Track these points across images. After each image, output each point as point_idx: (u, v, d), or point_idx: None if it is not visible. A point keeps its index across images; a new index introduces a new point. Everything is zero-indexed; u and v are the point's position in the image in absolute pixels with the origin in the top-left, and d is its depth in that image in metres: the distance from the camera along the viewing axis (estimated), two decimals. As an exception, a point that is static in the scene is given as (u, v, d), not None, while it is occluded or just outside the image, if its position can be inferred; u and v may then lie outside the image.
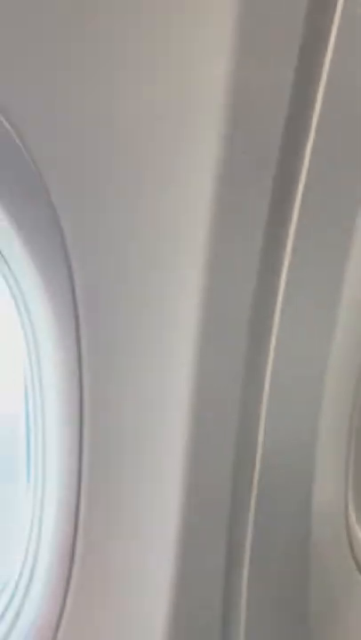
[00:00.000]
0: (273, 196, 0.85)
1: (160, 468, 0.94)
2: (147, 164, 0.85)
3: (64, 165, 0.84)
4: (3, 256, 0.92)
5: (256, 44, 0.80)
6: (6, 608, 1.03)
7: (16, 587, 1.02)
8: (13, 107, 0.80)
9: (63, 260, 0.87)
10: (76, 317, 0.89)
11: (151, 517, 0.95)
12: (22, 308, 0.95)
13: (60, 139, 0.83)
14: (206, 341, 0.89)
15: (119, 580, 0.97)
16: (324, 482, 1.00)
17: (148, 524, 0.95)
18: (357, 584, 1.04)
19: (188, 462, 0.92)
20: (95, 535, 0.96)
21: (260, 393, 0.94)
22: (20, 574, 1.02)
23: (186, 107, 0.83)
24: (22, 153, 0.82)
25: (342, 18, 0.80)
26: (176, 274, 0.89)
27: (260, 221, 0.87)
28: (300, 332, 0.93)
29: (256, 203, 0.86)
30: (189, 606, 0.97)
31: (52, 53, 0.80)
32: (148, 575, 0.96)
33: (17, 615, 1.00)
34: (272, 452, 0.96)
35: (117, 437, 0.94)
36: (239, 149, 0.83)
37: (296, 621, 1.03)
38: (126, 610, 0.98)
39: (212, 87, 0.80)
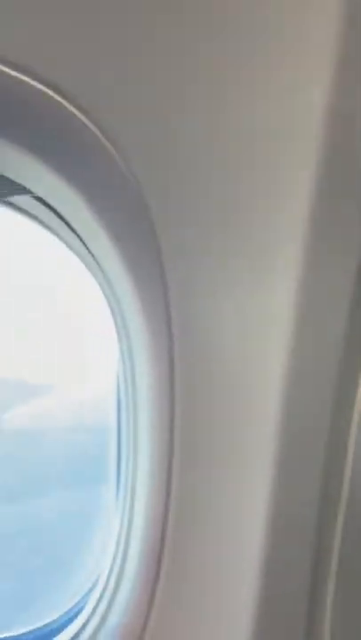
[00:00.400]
0: None
1: (248, 475, 0.95)
2: (245, 186, 0.87)
3: (164, 182, 0.87)
4: (101, 268, 0.96)
5: (355, 73, 0.81)
6: (94, 609, 1.05)
7: (104, 588, 1.04)
8: (117, 128, 0.84)
9: (158, 272, 0.89)
10: (170, 330, 0.92)
11: (239, 525, 0.96)
12: (118, 320, 0.98)
13: (161, 156, 0.86)
14: (299, 359, 0.90)
15: (205, 586, 0.98)
16: None
17: (235, 531, 0.97)
18: None
19: (277, 473, 0.93)
20: (183, 539, 0.97)
21: (350, 408, 0.94)
22: (109, 576, 1.04)
23: (285, 132, 0.85)
24: (124, 172, 0.85)
25: None
26: (269, 290, 0.91)
27: (354, 244, 0.88)
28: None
29: (350, 225, 0.87)
30: (274, 614, 0.97)
31: (159, 76, 0.84)
32: (234, 582, 0.97)
33: (104, 616, 1.03)
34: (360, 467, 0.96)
35: (207, 445, 0.96)
36: (336, 175, 0.85)
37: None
38: (211, 616, 0.99)
39: (311, 113, 0.82)
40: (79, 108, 0.81)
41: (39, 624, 1.19)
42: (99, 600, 1.05)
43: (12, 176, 0.89)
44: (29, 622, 1.22)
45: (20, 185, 0.90)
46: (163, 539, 0.97)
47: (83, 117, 0.81)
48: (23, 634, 1.15)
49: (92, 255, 0.94)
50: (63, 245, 0.99)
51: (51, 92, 0.80)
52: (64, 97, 0.80)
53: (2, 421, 2.41)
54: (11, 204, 0.96)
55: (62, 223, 0.94)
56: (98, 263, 0.94)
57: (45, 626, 1.17)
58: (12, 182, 0.89)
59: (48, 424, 2.39)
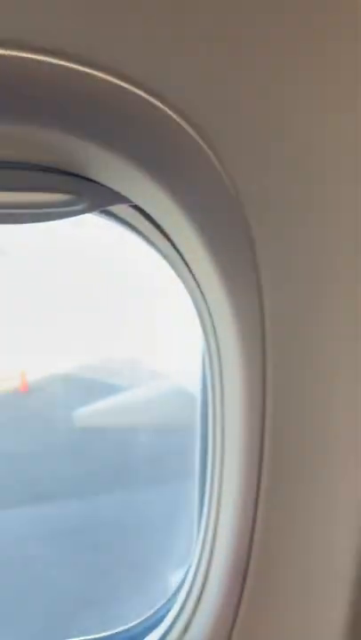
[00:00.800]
0: None
1: (341, 482, 0.94)
2: (349, 201, 0.86)
3: (265, 195, 0.86)
4: (196, 280, 0.95)
5: None
6: (176, 617, 1.05)
7: (187, 596, 1.04)
8: (219, 138, 0.83)
9: (255, 288, 0.89)
10: (263, 338, 0.91)
11: (329, 535, 0.95)
12: (209, 332, 0.98)
13: (263, 168, 0.85)
14: None
15: (293, 596, 0.97)
16: None
17: (325, 542, 0.95)
18: None
19: None
20: (271, 547, 0.96)
21: None
22: (192, 584, 1.03)
23: None
24: (225, 183, 0.84)
25: None
26: None
27: None
28: None
29: None
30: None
31: (265, 88, 0.83)
32: (322, 596, 0.96)
33: (187, 626, 1.02)
34: None
35: (298, 452, 0.94)
36: None
37: None
38: (298, 626, 0.98)
39: None
40: (183, 116, 0.81)
41: (113, 630, 1.18)
42: (181, 609, 1.04)
43: (111, 185, 0.89)
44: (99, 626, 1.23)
45: (118, 193, 0.90)
46: (250, 547, 0.96)
47: (186, 126, 0.81)
48: (100, 638, 1.15)
49: (187, 266, 0.94)
50: (158, 255, 0.99)
51: (154, 101, 0.80)
52: (169, 106, 0.80)
53: (75, 418, 2.46)
54: (107, 212, 0.96)
55: (159, 233, 0.94)
56: (192, 274, 0.94)
57: (124, 632, 1.17)
58: (111, 191, 0.89)
59: (121, 422, 2.42)
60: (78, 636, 1.13)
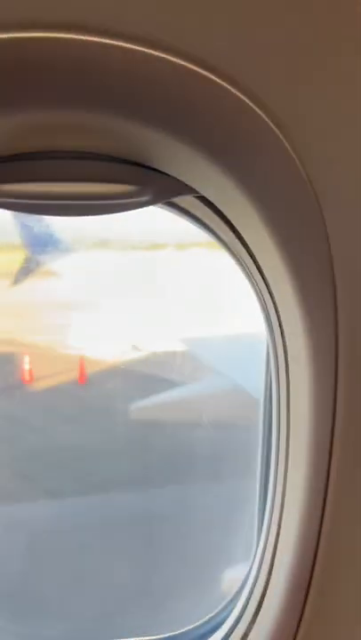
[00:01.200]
0: None
1: None
2: None
3: (342, 190, 0.82)
4: (263, 275, 0.92)
5: None
6: (237, 621, 1.02)
7: (247, 601, 1.01)
8: (297, 132, 0.80)
9: (329, 289, 0.85)
10: (336, 334, 0.87)
11: None
12: (275, 329, 0.95)
13: (342, 163, 0.82)
14: None
15: (360, 606, 0.93)
16: None
17: None
18: None
19: None
20: (338, 553, 0.92)
21: None
22: (252, 588, 1.00)
23: None
24: (302, 178, 0.81)
25: None
26: None
27: None
28: None
29: None
30: None
31: (346, 85, 0.80)
32: None
33: (248, 630, 1.00)
34: None
35: None
36: None
37: None
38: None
39: None
40: (257, 102, 0.77)
41: (169, 633, 1.16)
42: (240, 615, 1.02)
43: (178, 175, 0.86)
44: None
45: (184, 184, 0.87)
46: (315, 552, 0.92)
47: (261, 112, 0.78)
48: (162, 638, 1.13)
49: (254, 260, 0.91)
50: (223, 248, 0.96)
51: (227, 86, 0.77)
52: (243, 92, 0.77)
53: (131, 412, 2.46)
54: (173, 205, 0.94)
55: (225, 225, 0.90)
56: (259, 268, 0.91)
57: (180, 635, 1.14)
58: (177, 182, 0.87)
59: (178, 417, 2.41)
60: (128, 630, 1.13)
